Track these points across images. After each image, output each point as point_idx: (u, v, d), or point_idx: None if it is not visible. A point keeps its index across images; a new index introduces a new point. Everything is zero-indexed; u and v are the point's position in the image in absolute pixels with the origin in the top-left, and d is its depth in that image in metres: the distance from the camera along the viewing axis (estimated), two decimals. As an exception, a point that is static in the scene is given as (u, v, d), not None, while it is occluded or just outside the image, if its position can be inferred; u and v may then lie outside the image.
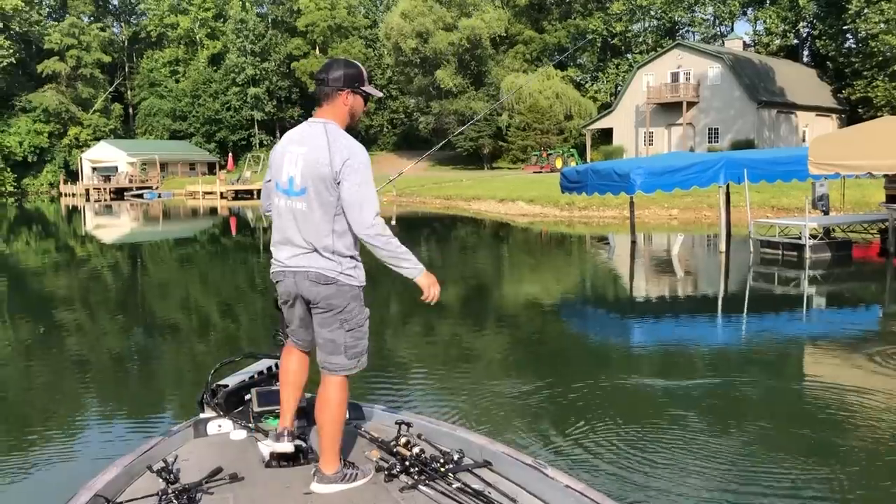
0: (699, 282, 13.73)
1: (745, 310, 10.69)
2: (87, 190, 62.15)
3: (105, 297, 13.28)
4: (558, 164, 45.88)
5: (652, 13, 60.51)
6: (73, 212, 45.05)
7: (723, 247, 15.97)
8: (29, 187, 69.66)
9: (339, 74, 3.13)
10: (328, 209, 3.07)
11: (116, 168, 64.58)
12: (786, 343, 8.39)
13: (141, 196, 58.36)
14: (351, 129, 3.23)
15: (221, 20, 74.69)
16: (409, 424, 3.53)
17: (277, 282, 3.26)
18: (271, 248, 3.28)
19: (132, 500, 2.95)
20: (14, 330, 10.55)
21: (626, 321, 10.20)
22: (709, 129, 48.71)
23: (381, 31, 64.74)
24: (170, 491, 2.92)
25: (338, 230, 3.10)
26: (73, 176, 67.36)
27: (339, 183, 3.04)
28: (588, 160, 47.40)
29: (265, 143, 72.04)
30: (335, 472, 3.14)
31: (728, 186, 16.82)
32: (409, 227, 28.67)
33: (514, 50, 62.85)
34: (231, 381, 4.00)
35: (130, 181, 62.75)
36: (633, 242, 18.06)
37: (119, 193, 60.68)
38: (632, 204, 18.12)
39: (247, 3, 72.17)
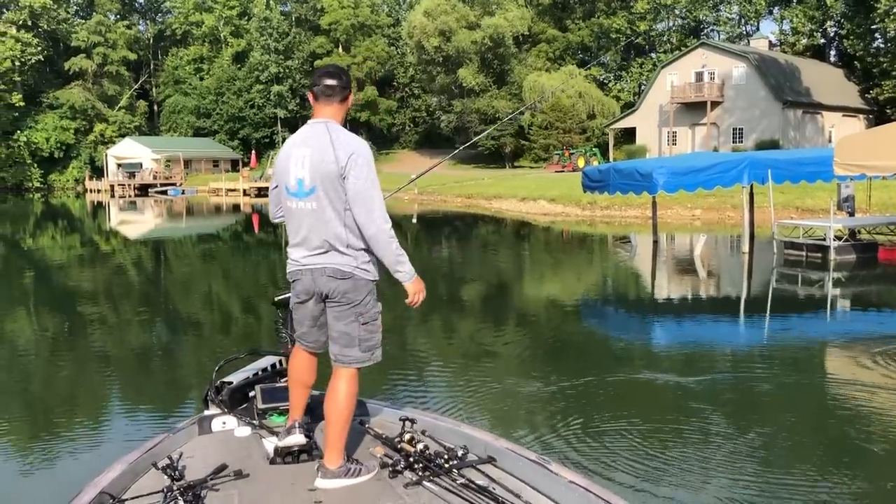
0: (721, 282, 13.61)
1: (766, 311, 10.57)
2: (112, 186, 62.86)
3: (117, 293, 13.35)
4: (581, 163, 45.70)
5: (676, 12, 60.12)
6: (98, 207, 45.56)
7: (746, 248, 15.82)
8: (55, 183, 70.52)
9: (347, 76, 3.34)
10: (338, 206, 3.13)
11: (141, 164, 65.21)
12: (808, 345, 8.29)
13: (165, 192, 58.93)
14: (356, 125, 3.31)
15: (246, 18, 75.11)
16: (412, 421, 3.51)
17: (294, 280, 3.30)
18: (288, 250, 3.33)
19: (137, 497, 2.94)
20: (23, 324, 10.65)
21: (643, 320, 10.12)
22: (733, 129, 48.30)
23: (403, 29, 64.83)
24: (175, 488, 2.90)
25: (349, 225, 3.15)
26: (98, 172, 68.05)
27: (345, 178, 3.10)
28: (611, 159, 47.16)
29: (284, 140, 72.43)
30: (339, 466, 3.14)
31: (752, 187, 16.66)
32: (430, 226, 28.69)
33: (537, 49, 62.67)
34: (235, 377, 4.01)
35: (155, 178, 63.38)
36: (655, 242, 17.95)
37: (143, 190, 61.31)
38: (654, 204, 18.01)
39: (271, 2, 72.49)
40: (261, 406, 3.78)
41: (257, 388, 3.87)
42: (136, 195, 59.15)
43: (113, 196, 58.43)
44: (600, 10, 61.50)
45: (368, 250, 3.22)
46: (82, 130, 70.60)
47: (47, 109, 69.68)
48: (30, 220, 35.83)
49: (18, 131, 66.79)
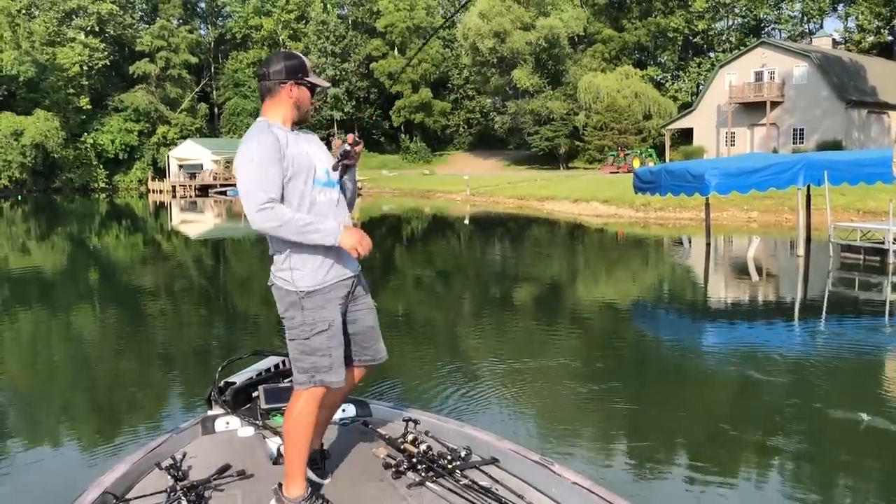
0: (773, 286, 13.36)
1: (820, 316, 10.34)
2: (174, 187, 64.30)
3: (149, 293, 13.47)
4: (636, 164, 45.15)
5: (736, 11, 58.99)
6: (160, 208, 46.73)
7: (801, 250, 15.50)
8: (119, 183, 72.43)
9: (279, 67, 3.00)
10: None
11: (201, 166, 66.57)
12: (864, 352, 8.09)
13: (224, 193, 60.04)
14: (301, 122, 3.09)
15: (303, 22, 76.16)
16: (416, 421, 3.51)
17: None
18: None
19: (141, 496, 2.95)
20: (39, 321, 10.85)
21: (688, 324, 10.01)
22: (793, 130, 47.17)
23: (458, 31, 64.96)
24: (178, 488, 2.90)
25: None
26: (160, 173, 69.74)
27: None
28: (667, 161, 46.49)
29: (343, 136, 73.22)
30: (294, 498, 2.86)
31: (808, 188, 16.32)
32: (482, 227, 28.76)
33: (593, 49, 62.18)
34: (238, 378, 4.02)
35: (214, 178, 64.59)
36: (708, 245, 17.69)
37: (204, 190, 62.56)
38: (707, 205, 17.76)
39: (328, 5, 73.42)
40: (264, 406, 3.77)
41: (260, 388, 3.87)
42: (196, 195, 60.46)
43: (174, 196, 59.83)
44: (657, 9, 60.71)
45: (288, 256, 2.89)
46: (145, 132, 72.45)
47: (112, 112, 71.68)
48: (95, 220, 36.96)
49: (85, 133, 68.92)
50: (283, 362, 4.21)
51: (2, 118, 62.52)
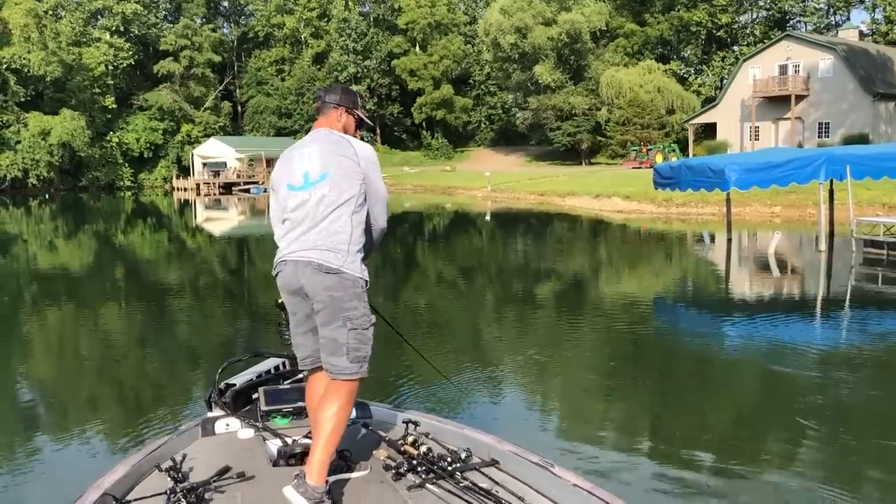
0: (793, 281, 13.27)
1: (841, 311, 10.26)
2: (198, 185, 64.81)
3: (157, 292, 13.42)
4: (659, 159, 44.88)
5: (760, 3, 58.37)
6: (185, 205, 47.20)
7: (823, 246, 15.36)
8: (144, 182, 73.22)
9: (337, 94, 3.39)
10: (345, 195, 3.08)
11: (225, 164, 67.06)
12: (886, 348, 8.03)
13: (248, 191, 60.54)
14: None
15: (325, 19, 76.46)
16: (416, 423, 3.50)
17: (277, 273, 3.18)
18: (279, 243, 3.23)
19: (141, 498, 2.96)
20: (39, 321, 10.88)
21: (707, 320, 9.97)
22: (819, 124, 46.62)
23: (479, 27, 64.87)
24: (178, 490, 2.90)
25: (355, 220, 3.10)
26: (184, 171, 70.33)
27: (362, 176, 3.14)
28: (690, 156, 46.16)
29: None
30: (315, 486, 2.88)
31: (831, 183, 16.17)
32: (503, 223, 28.76)
33: (615, 44, 61.83)
34: (238, 379, 4.03)
35: (238, 176, 65.09)
36: (729, 240, 17.58)
37: (227, 188, 63.03)
38: (728, 200, 17.65)
39: (350, 3, 73.63)
40: (264, 408, 3.77)
41: (261, 390, 3.87)
42: (220, 193, 60.93)
43: (199, 194, 60.33)
44: (680, 2, 60.19)
45: (360, 251, 3.12)
46: (170, 131, 73.18)
47: (137, 111, 72.49)
48: (121, 218, 37.41)
49: (111, 132, 69.70)
50: (284, 364, 4.21)
51: (30, 118, 63.42)
